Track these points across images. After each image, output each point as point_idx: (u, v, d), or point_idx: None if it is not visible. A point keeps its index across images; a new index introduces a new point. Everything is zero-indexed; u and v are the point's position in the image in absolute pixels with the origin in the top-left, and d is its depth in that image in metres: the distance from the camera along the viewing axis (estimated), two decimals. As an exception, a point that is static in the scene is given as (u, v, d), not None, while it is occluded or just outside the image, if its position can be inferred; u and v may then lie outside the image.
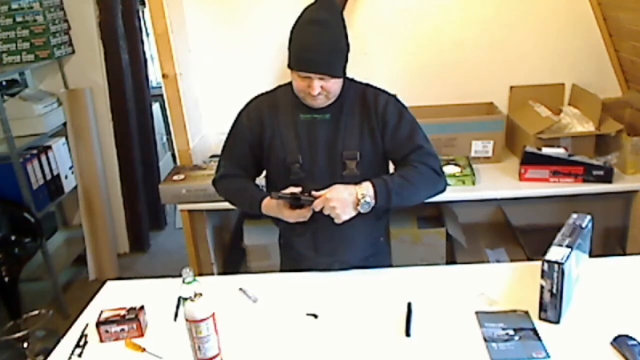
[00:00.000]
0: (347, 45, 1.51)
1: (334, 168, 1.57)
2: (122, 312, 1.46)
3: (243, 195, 1.65)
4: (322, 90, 1.48)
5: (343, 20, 1.50)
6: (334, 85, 1.50)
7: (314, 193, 1.48)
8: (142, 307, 1.48)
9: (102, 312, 1.48)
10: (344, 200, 1.44)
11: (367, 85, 1.63)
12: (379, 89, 1.63)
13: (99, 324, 1.44)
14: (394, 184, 1.48)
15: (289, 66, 1.50)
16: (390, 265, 1.80)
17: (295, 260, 1.73)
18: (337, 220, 1.46)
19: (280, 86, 1.66)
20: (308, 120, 1.57)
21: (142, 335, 1.44)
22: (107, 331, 1.43)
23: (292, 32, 1.49)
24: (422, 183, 1.53)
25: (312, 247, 1.65)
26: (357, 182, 1.50)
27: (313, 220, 1.54)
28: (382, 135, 1.57)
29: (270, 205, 1.56)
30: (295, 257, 1.73)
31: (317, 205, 1.45)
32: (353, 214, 1.46)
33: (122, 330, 1.43)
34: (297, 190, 1.50)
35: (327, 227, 1.54)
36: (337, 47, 1.48)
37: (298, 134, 1.58)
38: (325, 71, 1.46)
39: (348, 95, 1.58)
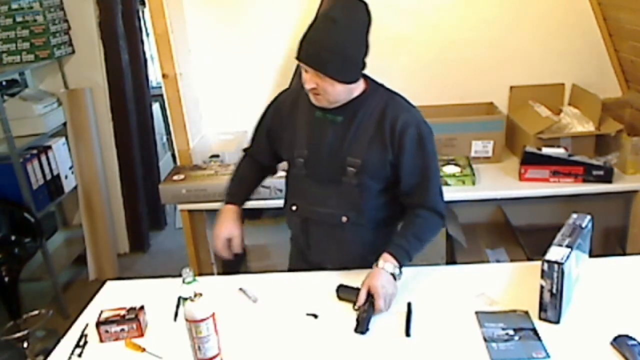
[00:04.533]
0: (358, 52, 1.44)
1: (334, 171, 1.55)
2: (122, 312, 1.46)
3: (230, 183, 1.79)
4: (318, 88, 1.45)
5: (366, 26, 1.42)
6: (330, 88, 1.44)
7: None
8: (142, 307, 1.48)
9: (102, 312, 1.47)
10: (390, 287, 1.45)
11: (397, 96, 1.56)
12: (407, 104, 1.55)
13: (99, 324, 1.44)
14: (413, 249, 1.52)
15: None
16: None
17: (299, 255, 1.77)
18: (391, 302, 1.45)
19: None
20: (321, 118, 1.56)
21: (142, 335, 1.44)
22: (107, 331, 1.43)
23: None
24: (431, 235, 1.60)
25: (306, 243, 1.68)
26: (354, 192, 1.53)
27: (304, 219, 1.62)
28: (396, 156, 1.51)
29: (223, 211, 1.70)
30: (299, 252, 1.77)
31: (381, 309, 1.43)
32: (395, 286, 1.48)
33: (122, 330, 1.43)
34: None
35: (318, 229, 1.61)
36: (340, 47, 1.39)
37: (310, 130, 1.58)
38: (316, 66, 1.41)
39: (368, 101, 1.52)
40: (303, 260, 1.75)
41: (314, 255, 1.69)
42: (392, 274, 1.46)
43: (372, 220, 1.58)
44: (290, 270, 1.81)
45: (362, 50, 1.45)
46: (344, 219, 1.56)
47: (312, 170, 1.58)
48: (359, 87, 1.52)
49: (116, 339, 1.44)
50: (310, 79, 1.44)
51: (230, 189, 1.77)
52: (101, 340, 1.44)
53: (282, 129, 1.64)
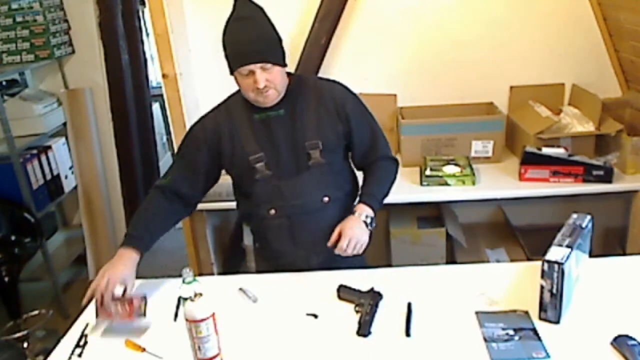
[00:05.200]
0: (279, 36, 1.54)
1: (299, 160, 1.60)
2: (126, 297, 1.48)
3: (133, 222, 1.65)
4: (268, 83, 1.49)
5: (267, 16, 1.54)
6: (278, 75, 1.52)
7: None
8: (144, 298, 1.49)
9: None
10: (362, 233, 1.56)
11: (317, 77, 1.69)
12: (330, 79, 1.69)
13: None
14: (380, 193, 1.67)
15: (231, 71, 1.53)
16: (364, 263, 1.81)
17: (272, 260, 1.74)
18: (360, 248, 1.55)
19: (230, 96, 1.69)
20: (263, 119, 1.59)
21: (130, 317, 1.45)
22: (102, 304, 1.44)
23: (223, 39, 1.52)
24: (392, 178, 1.73)
25: (292, 242, 1.66)
26: (324, 171, 1.60)
27: (288, 217, 1.62)
28: (345, 126, 1.62)
29: (122, 256, 1.55)
30: (272, 256, 1.73)
31: (343, 249, 1.54)
32: (367, 235, 1.58)
33: (116, 306, 1.44)
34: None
35: (304, 220, 1.61)
36: (268, 36, 1.51)
37: (256, 134, 1.60)
38: (264, 59, 1.47)
39: (299, 88, 1.61)
40: (279, 265, 1.71)
41: (300, 250, 1.67)
42: (365, 222, 1.58)
43: (347, 192, 1.69)
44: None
45: (277, 32, 1.55)
46: (326, 199, 1.62)
47: (277, 169, 1.60)
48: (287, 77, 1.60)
49: (108, 316, 1.45)
50: (260, 78, 1.48)
51: (137, 229, 1.60)
52: (97, 316, 1.45)
53: (224, 143, 1.61)
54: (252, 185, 1.63)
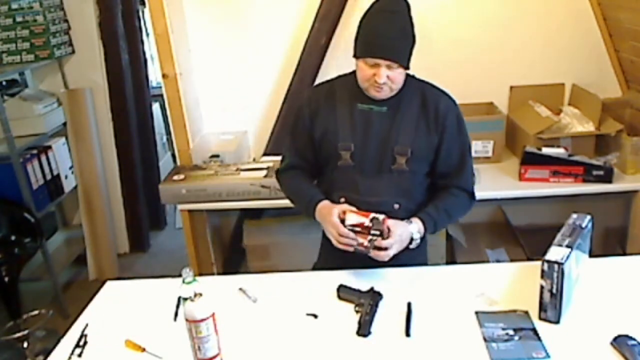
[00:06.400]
0: (414, 38, 1.52)
1: (383, 160, 1.58)
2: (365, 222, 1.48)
3: (301, 195, 1.68)
4: (388, 80, 1.49)
5: (411, 14, 1.51)
6: (399, 76, 1.51)
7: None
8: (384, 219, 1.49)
9: (345, 213, 1.50)
10: (403, 243, 1.51)
11: (429, 83, 1.65)
12: (441, 90, 1.64)
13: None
14: (442, 223, 1.60)
15: (355, 55, 1.52)
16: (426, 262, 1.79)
17: (339, 259, 1.64)
18: (385, 257, 1.48)
19: (340, 76, 1.68)
20: (365, 110, 1.59)
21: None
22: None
23: (361, 22, 1.51)
24: (460, 214, 1.69)
25: None
26: (404, 179, 1.57)
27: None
28: (439, 139, 1.59)
29: (323, 213, 1.56)
30: (340, 256, 1.61)
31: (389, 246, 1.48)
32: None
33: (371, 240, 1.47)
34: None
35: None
36: (406, 35, 1.50)
37: (353, 123, 1.59)
38: (393, 57, 1.47)
39: (408, 90, 1.59)
40: (343, 260, 1.63)
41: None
42: (412, 237, 1.52)
43: (419, 204, 1.63)
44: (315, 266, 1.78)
45: (414, 34, 1.53)
46: (396, 206, 1.59)
47: (361, 163, 1.59)
48: None
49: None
50: (382, 73, 1.48)
51: (307, 194, 1.64)
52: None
53: (321, 121, 1.62)
54: (332, 170, 1.63)
